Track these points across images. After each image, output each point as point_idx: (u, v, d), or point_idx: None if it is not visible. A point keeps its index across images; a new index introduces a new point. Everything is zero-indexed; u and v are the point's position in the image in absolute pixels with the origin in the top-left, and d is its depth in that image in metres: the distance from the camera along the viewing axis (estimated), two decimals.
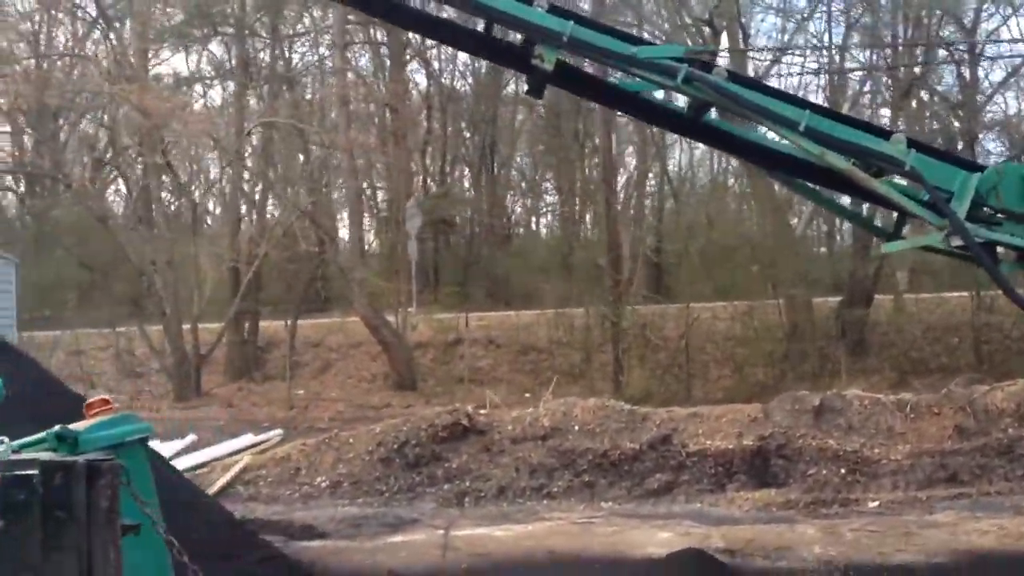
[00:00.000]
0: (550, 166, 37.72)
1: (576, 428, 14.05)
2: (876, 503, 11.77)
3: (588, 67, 10.39)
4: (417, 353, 28.62)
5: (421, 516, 11.99)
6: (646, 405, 18.78)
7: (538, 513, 12.03)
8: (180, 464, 15.44)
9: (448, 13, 9.24)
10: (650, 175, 33.46)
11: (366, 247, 39.56)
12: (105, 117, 27.62)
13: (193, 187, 28.91)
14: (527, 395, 23.37)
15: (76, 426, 4.11)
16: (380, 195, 37.65)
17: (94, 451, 4.03)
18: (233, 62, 29.43)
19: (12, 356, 8.50)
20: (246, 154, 27.44)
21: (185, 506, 9.02)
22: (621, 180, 36.50)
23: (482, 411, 14.80)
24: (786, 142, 8.17)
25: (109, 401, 4.47)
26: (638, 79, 8.28)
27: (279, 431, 18.65)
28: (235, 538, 9.00)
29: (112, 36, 24.98)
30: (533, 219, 45.53)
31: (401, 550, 10.34)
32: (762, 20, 38.62)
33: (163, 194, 26.51)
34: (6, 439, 3.80)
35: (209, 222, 33.29)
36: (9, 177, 29.67)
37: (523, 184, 43.79)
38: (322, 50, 29.38)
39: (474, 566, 9.71)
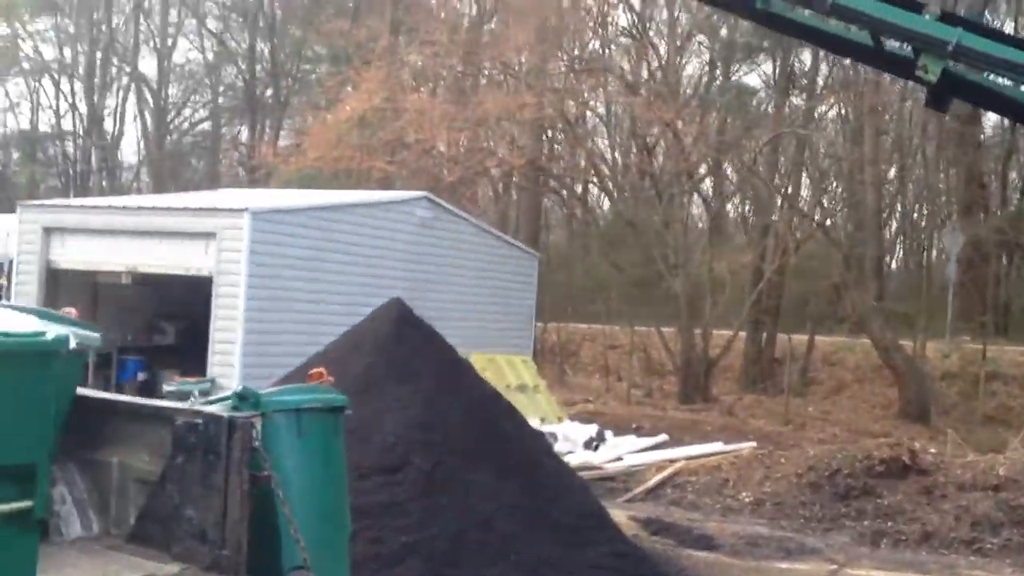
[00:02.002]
0: None
1: None
2: None
3: None
4: (943, 384, 26.77)
5: (825, 548, 11.50)
6: None
7: (955, 568, 10.93)
8: (634, 460, 16.26)
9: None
10: None
11: (894, 265, 37.63)
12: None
13: (714, 196, 29.71)
14: None
15: (266, 390, 4.89)
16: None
17: (274, 412, 4.79)
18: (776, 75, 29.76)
19: (422, 329, 9.82)
20: (777, 165, 27.70)
21: (559, 489, 9.71)
22: None
23: (932, 450, 13.65)
24: None
25: (324, 375, 5.20)
26: None
27: (752, 443, 18.67)
28: (595, 528, 9.47)
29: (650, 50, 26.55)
30: None
31: None
32: None
33: (687, 201, 27.55)
34: (196, 392, 4.71)
35: (737, 230, 33.91)
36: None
37: None
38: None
39: None
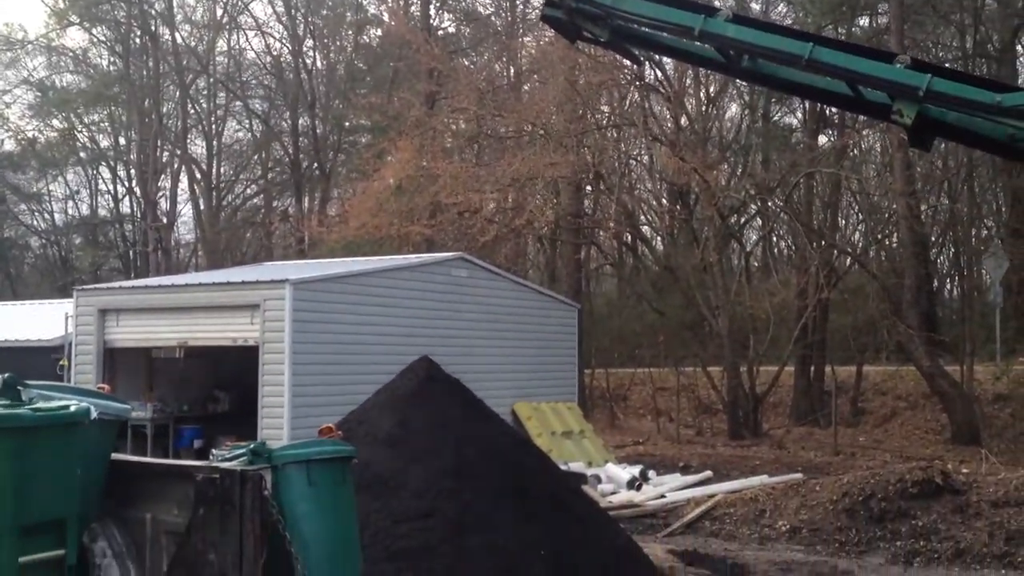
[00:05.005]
0: None
1: None
2: None
3: None
4: (996, 407, 26.65)
5: (858, 570, 11.80)
6: None
7: None
8: (676, 496, 16.54)
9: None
10: None
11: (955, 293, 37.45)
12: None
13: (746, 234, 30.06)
14: None
15: (278, 445, 5.49)
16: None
17: (285, 464, 5.37)
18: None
19: (446, 382, 10.40)
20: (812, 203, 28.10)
21: (587, 528, 10.16)
22: None
23: (964, 470, 13.84)
24: None
25: (333, 429, 5.79)
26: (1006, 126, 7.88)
27: (799, 475, 18.85)
28: (627, 562, 9.92)
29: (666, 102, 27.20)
30: None
31: None
32: None
33: (724, 243, 27.87)
34: (214, 452, 5.34)
35: (787, 268, 34.11)
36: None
37: None
38: None
39: None
